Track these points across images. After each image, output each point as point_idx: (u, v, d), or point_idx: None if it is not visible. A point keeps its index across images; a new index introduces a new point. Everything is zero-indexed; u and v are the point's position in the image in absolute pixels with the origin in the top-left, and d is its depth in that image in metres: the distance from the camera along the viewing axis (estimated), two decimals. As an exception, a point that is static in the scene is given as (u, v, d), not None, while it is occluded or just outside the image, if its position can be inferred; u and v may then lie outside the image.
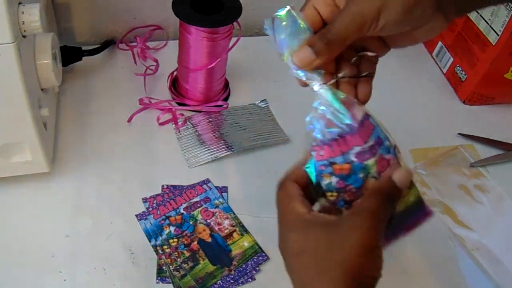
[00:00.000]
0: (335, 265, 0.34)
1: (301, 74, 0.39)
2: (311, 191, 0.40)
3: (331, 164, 0.39)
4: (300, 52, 0.37)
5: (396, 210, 0.39)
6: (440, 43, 0.82)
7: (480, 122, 0.73)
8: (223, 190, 0.60)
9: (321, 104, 0.40)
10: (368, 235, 0.34)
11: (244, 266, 0.53)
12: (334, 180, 0.39)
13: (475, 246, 0.57)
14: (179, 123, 0.67)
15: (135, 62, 0.75)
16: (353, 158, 0.39)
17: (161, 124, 0.67)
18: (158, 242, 0.54)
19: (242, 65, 0.77)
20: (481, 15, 0.72)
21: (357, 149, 0.39)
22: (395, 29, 0.37)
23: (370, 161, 0.39)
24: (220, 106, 0.70)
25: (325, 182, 0.40)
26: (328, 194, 0.39)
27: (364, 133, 0.39)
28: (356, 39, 0.38)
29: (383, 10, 0.35)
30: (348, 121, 0.39)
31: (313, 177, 0.40)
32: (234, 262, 0.53)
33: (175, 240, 0.54)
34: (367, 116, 0.40)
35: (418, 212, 0.41)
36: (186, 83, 0.69)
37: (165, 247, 0.53)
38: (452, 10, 0.38)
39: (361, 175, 0.39)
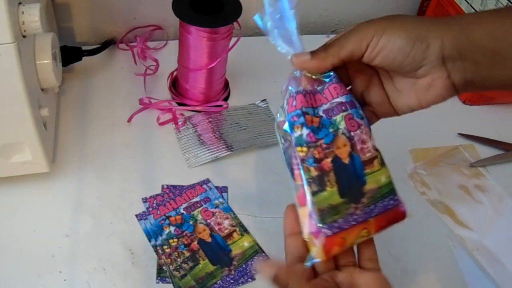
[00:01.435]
0: None
1: (280, 49, 0.40)
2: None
3: (304, 114, 0.39)
4: (300, 54, 0.40)
5: (368, 187, 0.40)
6: (440, 43, 0.82)
7: (480, 122, 0.73)
8: (223, 190, 0.60)
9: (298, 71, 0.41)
10: None
11: (244, 266, 0.53)
12: (305, 132, 0.39)
13: (475, 246, 0.57)
14: (179, 123, 0.67)
15: (135, 62, 0.75)
16: (321, 113, 0.40)
17: (161, 124, 0.67)
18: (158, 242, 0.54)
19: (242, 65, 0.77)
20: (481, 15, 0.72)
21: (324, 106, 0.40)
22: (394, 57, 0.38)
23: (338, 117, 0.40)
24: (220, 106, 0.70)
25: (295, 134, 0.39)
26: (298, 149, 0.39)
27: (333, 91, 0.41)
28: (354, 59, 0.39)
29: (388, 30, 0.37)
30: (325, 79, 0.41)
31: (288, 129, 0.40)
32: (234, 262, 0.53)
33: (175, 240, 0.54)
34: (343, 86, 0.41)
35: (390, 199, 0.41)
36: (186, 83, 0.69)
37: (165, 247, 0.53)
38: (458, 74, 0.38)
39: (331, 130, 0.40)
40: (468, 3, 0.75)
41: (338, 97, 0.40)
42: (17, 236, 0.53)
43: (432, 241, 0.58)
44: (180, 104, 0.70)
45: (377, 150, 0.41)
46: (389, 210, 0.40)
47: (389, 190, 0.41)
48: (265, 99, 0.72)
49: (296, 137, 0.39)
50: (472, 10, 0.74)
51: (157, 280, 0.51)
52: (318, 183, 0.38)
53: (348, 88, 0.42)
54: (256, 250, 0.54)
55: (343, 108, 0.40)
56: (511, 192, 0.64)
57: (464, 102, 0.76)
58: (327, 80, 0.41)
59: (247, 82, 0.75)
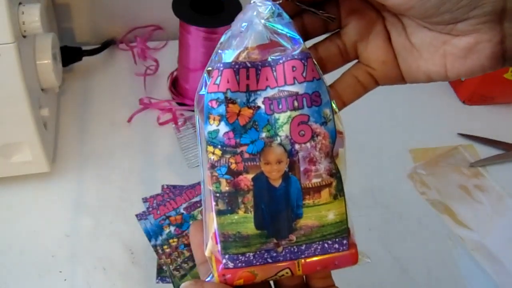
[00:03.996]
0: None
1: None
2: None
3: (228, 101, 0.27)
4: None
5: (303, 222, 0.29)
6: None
7: (480, 122, 0.73)
8: (223, 190, 0.60)
9: (250, 22, 0.28)
10: None
11: (244, 266, 0.53)
12: (223, 129, 0.27)
13: (475, 246, 0.57)
14: (179, 123, 0.67)
15: (135, 62, 0.75)
16: (260, 103, 0.27)
17: (161, 124, 0.67)
18: (158, 242, 0.54)
19: (242, 65, 0.77)
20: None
21: (270, 91, 0.27)
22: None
23: (282, 116, 0.27)
24: (220, 106, 0.70)
25: (209, 128, 0.27)
26: (209, 149, 0.27)
27: (290, 72, 0.27)
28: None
29: None
30: (288, 44, 0.27)
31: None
32: (234, 262, 0.53)
33: (175, 240, 0.54)
34: (312, 61, 0.28)
35: (335, 243, 0.29)
36: (186, 83, 0.69)
37: (165, 247, 0.53)
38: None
39: (263, 134, 0.27)
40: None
41: (294, 83, 0.27)
42: (17, 236, 0.53)
43: (432, 241, 0.58)
44: (180, 104, 0.70)
45: (333, 175, 0.29)
46: (331, 254, 0.29)
47: (337, 231, 0.29)
48: (265, 99, 0.72)
49: (210, 132, 0.27)
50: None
51: (157, 280, 0.51)
52: (228, 202, 0.28)
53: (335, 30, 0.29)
54: (256, 250, 0.54)
55: (296, 104, 0.27)
56: (511, 192, 0.64)
57: (464, 102, 0.76)
58: (289, 46, 0.28)
59: (247, 82, 0.75)
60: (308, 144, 0.28)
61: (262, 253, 0.28)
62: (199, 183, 0.60)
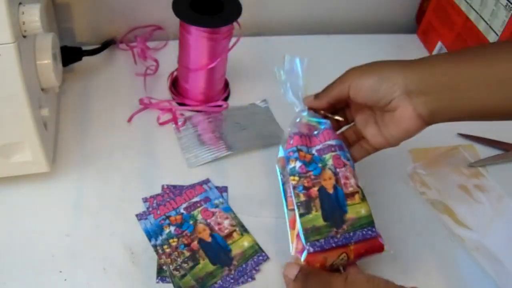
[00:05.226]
0: None
1: (289, 100, 0.52)
2: None
3: (298, 150, 0.49)
4: (308, 96, 0.52)
5: (348, 216, 0.47)
6: (439, 43, 0.82)
7: (480, 122, 0.73)
8: (223, 190, 0.60)
9: (300, 118, 0.52)
10: None
11: (244, 265, 0.53)
12: (298, 164, 0.48)
13: (475, 246, 0.58)
14: (179, 123, 0.67)
15: (135, 62, 0.75)
16: (314, 152, 0.50)
17: (161, 124, 0.67)
18: (158, 242, 0.54)
19: (242, 65, 0.77)
20: (480, 15, 0.72)
21: (318, 147, 0.50)
22: (367, 94, 0.47)
23: (327, 156, 0.49)
24: (220, 106, 0.70)
25: (290, 166, 0.48)
26: (291, 178, 0.48)
27: (326, 135, 0.50)
28: (340, 100, 0.51)
29: (364, 74, 0.48)
30: (321, 125, 0.51)
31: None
32: (234, 262, 0.53)
33: (175, 240, 0.54)
34: (335, 133, 0.52)
35: (368, 230, 0.47)
36: (186, 83, 0.69)
37: (165, 247, 0.53)
38: (422, 106, 0.45)
39: (320, 165, 0.49)
40: (467, 2, 0.75)
41: (329, 140, 0.50)
42: (17, 236, 0.53)
43: (432, 241, 0.58)
44: (180, 104, 0.70)
45: (359, 186, 0.48)
46: (367, 239, 0.47)
47: (368, 222, 0.47)
48: (265, 99, 0.72)
49: (291, 168, 0.48)
50: (472, 10, 0.74)
51: (157, 280, 0.51)
52: (305, 207, 0.46)
53: (348, 125, 0.54)
54: (256, 250, 0.54)
55: (333, 149, 0.49)
56: (511, 192, 0.64)
57: (464, 102, 0.76)
58: (322, 127, 0.51)
59: (247, 82, 0.75)
60: (343, 169, 0.49)
61: (328, 239, 0.46)
62: (199, 183, 0.60)
